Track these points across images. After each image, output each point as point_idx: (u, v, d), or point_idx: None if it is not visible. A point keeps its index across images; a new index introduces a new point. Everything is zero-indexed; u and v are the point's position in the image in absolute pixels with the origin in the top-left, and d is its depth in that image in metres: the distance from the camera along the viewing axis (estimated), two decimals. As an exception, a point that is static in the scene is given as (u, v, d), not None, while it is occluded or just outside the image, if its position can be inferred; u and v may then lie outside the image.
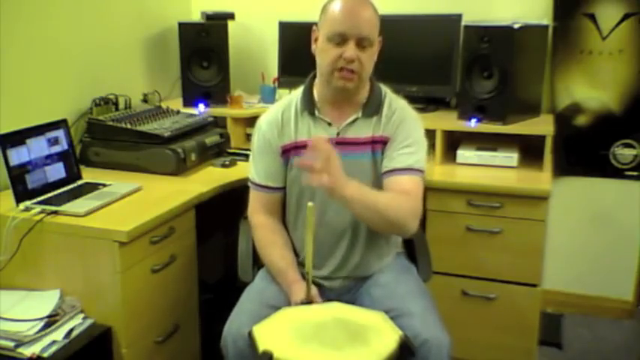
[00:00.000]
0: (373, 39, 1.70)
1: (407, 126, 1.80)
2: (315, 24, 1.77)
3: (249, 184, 1.93)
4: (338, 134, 1.80)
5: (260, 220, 1.89)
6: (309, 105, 1.81)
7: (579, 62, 2.73)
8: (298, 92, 1.86)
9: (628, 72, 2.68)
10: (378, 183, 1.80)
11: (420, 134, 1.83)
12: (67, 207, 1.94)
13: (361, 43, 1.68)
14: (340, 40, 1.68)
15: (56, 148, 2.14)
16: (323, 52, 1.73)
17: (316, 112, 1.81)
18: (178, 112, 2.67)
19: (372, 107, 1.81)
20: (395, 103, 1.84)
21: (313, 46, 1.78)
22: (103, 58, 2.67)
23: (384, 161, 1.80)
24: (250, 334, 1.51)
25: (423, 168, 1.79)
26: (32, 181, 2.02)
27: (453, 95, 2.77)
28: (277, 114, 1.85)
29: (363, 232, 1.82)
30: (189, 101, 2.90)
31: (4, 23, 2.15)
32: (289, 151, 1.83)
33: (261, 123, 1.89)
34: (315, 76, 1.84)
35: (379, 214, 1.66)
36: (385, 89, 1.86)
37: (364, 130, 1.80)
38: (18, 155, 1.98)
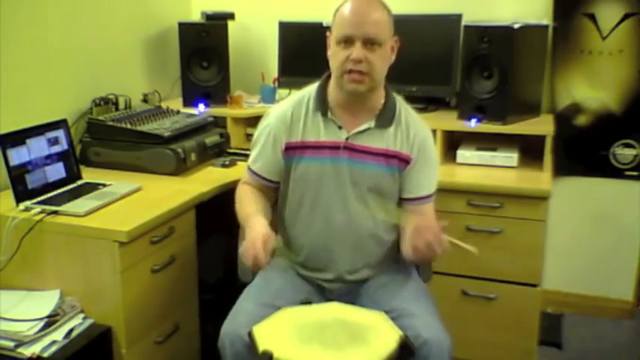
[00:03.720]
0: (382, 40, 1.67)
1: (428, 148, 1.82)
2: (329, 29, 1.75)
3: (246, 166, 1.93)
4: (347, 139, 1.78)
5: (243, 187, 1.91)
6: (321, 105, 1.79)
7: (579, 62, 2.73)
8: (311, 90, 1.84)
9: (628, 72, 2.68)
10: (390, 194, 1.81)
11: (436, 153, 1.87)
12: (67, 207, 1.94)
13: (368, 44, 1.66)
14: (347, 42, 1.67)
15: (56, 148, 2.14)
16: (333, 56, 1.72)
17: (328, 114, 1.79)
18: (178, 112, 2.67)
19: (386, 118, 1.78)
20: (410, 117, 1.82)
21: (328, 52, 1.75)
22: (103, 58, 2.67)
23: (406, 186, 1.81)
24: (250, 334, 1.52)
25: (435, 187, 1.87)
26: (32, 181, 2.02)
27: (453, 95, 2.77)
28: (287, 111, 1.83)
29: (366, 236, 1.82)
30: (189, 101, 2.90)
31: (4, 23, 2.15)
32: (294, 150, 1.81)
33: (272, 115, 1.86)
34: (329, 76, 1.81)
35: None
36: (399, 99, 1.84)
37: (377, 141, 1.78)
38: (18, 155, 1.98)
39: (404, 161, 1.79)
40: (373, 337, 1.50)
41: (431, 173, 1.83)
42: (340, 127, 1.78)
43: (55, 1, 2.39)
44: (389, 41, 1.71)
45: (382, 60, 1.70)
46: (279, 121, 1.82)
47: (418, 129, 1.81)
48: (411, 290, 1.79)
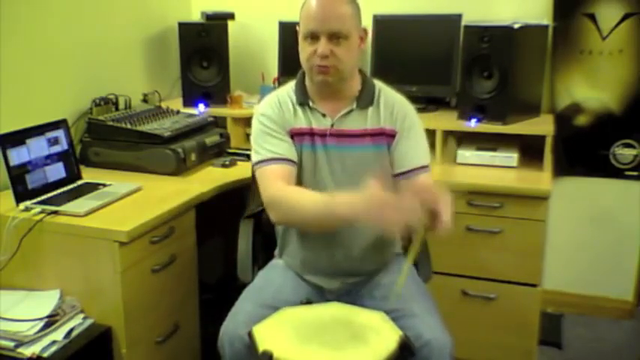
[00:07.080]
0: (347, 32, 1.69)
1: (412, 120, 1.82)
2: (298, 24, 1.77)
3: (256, 168, 1.79)
4: (332, 125, 1.80)
5: (280, 185, 1.71)
6: (303, 97, 1.82)
7: (579, 62, 2.73)
8: (290, 85, 1.86)
9: (628, 72, 2.68)
10: (383, 175, 1.79)
11: (422, 127, 1.86)
12: (67, 207, 1.94)
13: (334, 38, 1.68)
14: (313, 37, 1.70)
15: (56, 148, 2.14)
16: (301, 51, 1.75)
17: (311, 104, 1.82)
18: (178, 112, 2.67)
19: (366, 99, 1.81)
20: (391, 95, 1.85)
21: (299, 46, 1.78)
22: (103, 58, 2.67)
23: (396, 160, 1.80)
24: (250, 334, 1.52)
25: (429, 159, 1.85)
26: (32, 181, 2.02)
27: (453, 95, 2.77)
28: (274, 99, 1.84)
29: (364, 230, 1.81)
30: (189, 101, 2.90)
31: (4, 23, 2.15)
32: (292, 137, 1.81)
33: (260, 110, 1.85)
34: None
35: None
36: (379, 84, 1.87)
37: (360, 122, 1.80)
38: (18, 155, 1.98)
39: (390, 136, 1.80)
40: (373, 337, 1.50)
41: (419, 143, 1.83)
42: (324, 115, 1.81)
43: (55, 1, 2.39)
44: (355, 33, 1.73)
45: (349, 52, 1.72)
46: (273, 109, 1.81)
47: (401, 104, 1.83)
48: (411, 290, 1.78)
